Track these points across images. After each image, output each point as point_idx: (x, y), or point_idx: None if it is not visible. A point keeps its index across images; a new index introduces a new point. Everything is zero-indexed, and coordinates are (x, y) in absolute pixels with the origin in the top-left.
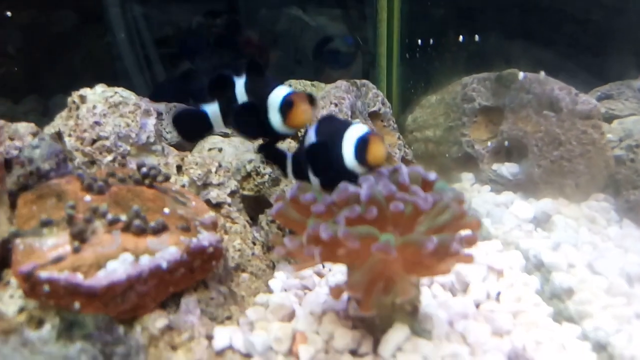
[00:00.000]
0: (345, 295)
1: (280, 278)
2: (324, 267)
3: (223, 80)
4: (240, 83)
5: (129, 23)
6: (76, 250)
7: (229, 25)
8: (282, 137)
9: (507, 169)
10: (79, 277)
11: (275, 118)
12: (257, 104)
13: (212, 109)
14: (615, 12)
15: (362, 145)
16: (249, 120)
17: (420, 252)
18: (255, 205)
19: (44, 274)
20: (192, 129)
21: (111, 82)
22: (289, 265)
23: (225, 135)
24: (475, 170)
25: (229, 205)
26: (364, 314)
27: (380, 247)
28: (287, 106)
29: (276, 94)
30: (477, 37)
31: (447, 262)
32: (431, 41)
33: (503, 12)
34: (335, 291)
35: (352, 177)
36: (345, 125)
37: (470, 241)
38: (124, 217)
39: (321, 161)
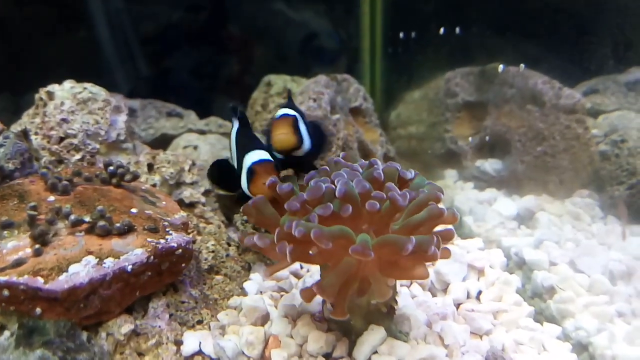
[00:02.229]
0: (320, 297)
1: (256, 280)
2: (302, 267)
3: None
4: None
5: (107, 17)
6: (37, 253)
7: (211, 19)
8: None
9: (491, 165)
10: (39, 281)
11: None
12: None
13: None
14: (601, 5)
15: (250, 177)
16: None
17: (399, 253)
18: (231, 205)
19: (2, 278)
20: None
21: (87, 79)
22: (264, 267)
23: (202, 132)
24: (458, 166)
25: (203, 204)
26: (337, 318)
27: (357, 250)
28: None
29: None
30: (460, 31)
31: (424, 266)
32: (415, 35)
33: (487, 5)
34: (306, 294)
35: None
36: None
37: (446, 237)
38: (88, 218)
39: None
